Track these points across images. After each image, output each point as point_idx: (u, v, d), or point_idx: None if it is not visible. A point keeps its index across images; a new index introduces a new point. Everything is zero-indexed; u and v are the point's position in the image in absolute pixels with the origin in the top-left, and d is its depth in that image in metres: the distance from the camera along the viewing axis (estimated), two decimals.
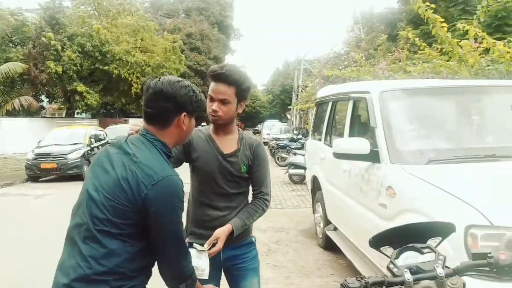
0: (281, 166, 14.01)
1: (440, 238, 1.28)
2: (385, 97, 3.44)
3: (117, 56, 22.75)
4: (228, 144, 2.07)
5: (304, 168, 7.55)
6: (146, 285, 1.59)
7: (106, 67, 22.86)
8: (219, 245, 1.90)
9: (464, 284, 1.14)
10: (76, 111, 25.25)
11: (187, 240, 1.96)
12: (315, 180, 5.52)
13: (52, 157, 12.01)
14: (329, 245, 5.02)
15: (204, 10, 43.60)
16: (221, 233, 1.92)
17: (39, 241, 5.63)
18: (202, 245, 1.88)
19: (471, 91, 3.66)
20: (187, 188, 1.77)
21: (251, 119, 60.38)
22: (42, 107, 27.23)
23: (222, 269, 2.15)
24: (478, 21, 5.83)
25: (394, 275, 1.16)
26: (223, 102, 1.95)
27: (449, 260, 1.20)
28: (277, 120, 42.86)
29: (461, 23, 5.82)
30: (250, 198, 2.17)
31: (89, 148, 12.91)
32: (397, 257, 1.20)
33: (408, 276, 1.12)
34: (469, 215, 2.17)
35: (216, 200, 2.05)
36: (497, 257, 1.18)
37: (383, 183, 3.04)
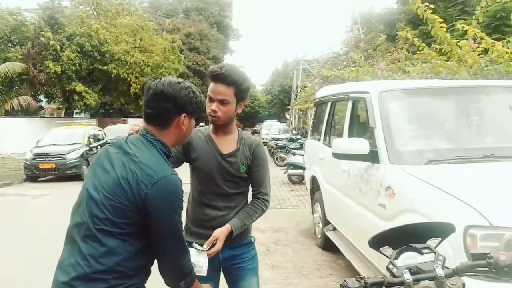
0: (280, 166, 14.02)
1: (440, 239, 1.28)
2: (385, 97, 3.44)
3: (116, 56, 22.75)
4: (228, 144, 2.07)
5: (303, 168, 7.55)
6: (145, 284, 1.60)
7: (105, 67, 22.85)
8: (218, 245, 1.90)
9: (463, 285, 1.14)
10: (75, 111, 25.24)
11: (186, 239, 1.96)
12: (314, 180, 5.52)
13: (51, 157, 12.00)
14: (328, 245, 5.02)
15: (203, 10, 43.62)
16: (220, 233, 1.92)
17: (38, 241, 5.63)
18: (201, 244, 1.88)
19: (471, 91, 3.66)
20: (186, 187, 1.78)
21: (250, 119, 60.38)
22: (41, 107, 27.20)
23: (221, 269, 2.15)
24: (477, 21, 5.84)
25: (393, 275, 1.15)
26: (222, 102, 1.96)
27: (448, 260, 1.20)
28: (276, 120, 42.90)
29: (460, 24, 5.84)
30: (250, 198, 2.17)
31: (87, 148, 12.90)
32: (396, 258, 1.20)
33: (407, 277, 1.12)
34: (468, 215, 2.17)
35: (215, 200, 2.05)
36: (496, 257, 1.18)
37: (383, 183, 3.04)
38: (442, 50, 5.82)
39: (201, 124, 18.38)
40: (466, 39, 5.49)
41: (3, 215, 7.93)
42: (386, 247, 1.25)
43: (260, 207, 2.09)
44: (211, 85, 1.98)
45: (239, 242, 2.09)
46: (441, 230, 1.30)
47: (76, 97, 22.47)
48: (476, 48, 5.43)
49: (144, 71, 24.13)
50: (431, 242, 1.25)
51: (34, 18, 22.58)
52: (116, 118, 33.65)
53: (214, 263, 1.96)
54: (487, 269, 1.20)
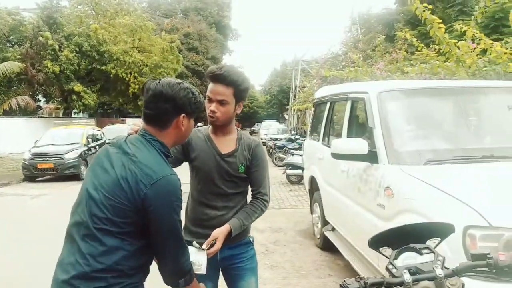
0: (279, 166, 14.02)
1: (439, 239, 1.28)
2: (383, 98, 3.44)
3: (115, 56, 22.73)
4: (227, 144, 2.07)
5: (302, 169, 7.55)
6: (144, 282, 1.61)
7: (103, 67, 22.82)
8: (218, 245, 1.90)
9: (463, 285, 1.14)
10: (73, 111, 25.20)
11: (185, 238, 1.96)
12: (313, 180, 5.52)
13: (49, 157, 11.98)
14: (327, 246, 5.02)
15: (202, 10, 43.61)
16: (219, 233, 1.93)
17: (37, 240, 5.62)
18: (201, 244, 1.89)
19: (469, 91, 3.67)
20: (186, 187, 1.78)
21: (248, 119, 60.40)
22: (39, 107, 27.16)
23: (220, 269, 2.15)
24: (476, 22, 5.85)
25: (393, 275, 1.15)
26: (221, 102, 1.96)
27: (447, 260, 1.20)
28: (275, 120, 42.91)
29: (459, 24, 5.84)
30: (249, 197, 2.17)
31: (86, 148, 12.88)
32: (396, 258, 1.20)
33: (407, 277, 1.12)
34: (467, 215, 2.17)
35: (214, 200, 2.06)
36: (496, 257, 1.18)
37: (381, 183, 3.04)
38: (441, 51, 5.82)
39: (199, 124, 18.36)
40: (465, 39, 5.50)
41: (2, 215, 7.91)
42: (385, 247, 1.25)
43: (260, 207, 2.09)
44: (210, 85, 1.98)
45: (238, 242, 2.09)
46: (441, 231, 1.30)
47: (74, 97, 22.44)
48: (475, 48, 5.44)
49: (142, 71, 24.11)
50: (430, 243, 1.25)
51: (32, 17, 22.54)
52: (114, 118, 33.60)
53: (213, 263, 1.96)
54: (486, 269, 1.20)
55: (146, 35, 24.90)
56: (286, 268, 4.66)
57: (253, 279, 2.16)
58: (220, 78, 1.94)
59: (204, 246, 1.88)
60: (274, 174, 11.64)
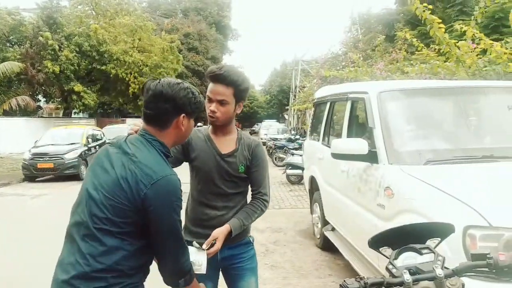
0: (279, 166, 14.02)
1: (439, 239, 1.28)
2: (383, 98, 3.44)
3: (115, 56, 22.72)
4: (227, 144, 2.07)
5: (302, 169, 7.55)
6: (144, 282, 1.62)
7: (103, 67, 22.82)
8: (218, 245, 1.90)
9: (463, 285, 1.14)
10: (73, 111, 25.19)
11: (185, 238, 1.96)
12: (313, 180, 5.52)
13: (49, 157, 11.97)
14: (326, 246, 5.02)
15: (202, 10, 43.61)
16: (219, 233, 1.93)
17: (37, 240, 5.62)
18: (201, 244, 1.89)
19: (469, 92, 3.67)
20: (186, 187, 1.78)
21: (248, 119, 60.39)
22: (39, 107, 27.15)
23: (220, 269, 2.15)
24: (476, 22, 5.85)
25: (393, 275, 1.15)
26: (221, 103, 1.96)
27: (447, 260, 1.20)
28: (275, 120, 42.89)
29: (459, 24, 5.84)
30: (249, 197, 2.17)
31: (86, 148, 12.88)
32: (396, 258, 1.20)
33: (407, 277, 1.12)
34: (467, 215, 2.17)
35: (214, 200, 2.06)
36: (496, 257, 1.18)
37: (381, 183, 3.04)
38: (441, 51, 5.82)
39: (199, 124, 18.35)
40: (465, 39, 5.49)
41: (2, 215, 7.91)
42: (385, 247, 1.25)
43: (260, 207, 2.09)
44: (210, 85, 1.98)
45: (238, 242, 2.09)
46: (441, 231, 1.30)
47: (74, 97, 22.43)
48: (475, 48, 5.44)
49: (142, 71, 24.10)
50: (430, 243, 1.25)
51: (32, 17, 22.54)
52: (114, 118, 33.60)
53: (213, 263, 1.96)
54: (486, 269, 1.20)
55: (146, 35, 24.89)
56: (286, 268, 4.66)
57: (253, 279, 2.16)
58: (220, 78, 1.94)
59: (204, 246, 1.88)
60: (274, 174, 11.64)
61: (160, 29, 31.01)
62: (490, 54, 5.23)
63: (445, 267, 1.17)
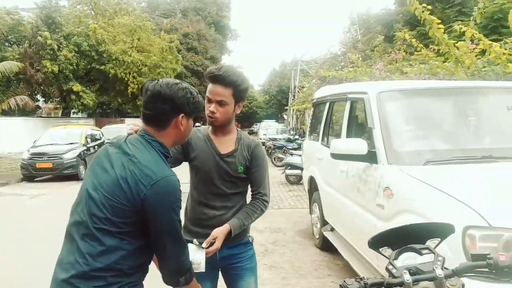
0: (278, 166, 14.01)
1: (439, 239, 1.28)
2: (383, 98, 3.44)
3: (114, 56, 22.70)
4: (226, 144, 2.07)
5: (301, 169, 7.56)
6: (143, 281, 1.62)
7: (102, 67, 22.80)
8: (217, 244, 1.90)
9: (463, 285, 1.14)
10: (72, 110, 25.16)
11: (184, 237, 1.97)
12: (312, 180, 5.52)
13: (48, 157, 11.95)
14: (326, 246, 5.02)
15: (201, 10, 43.61)
16: (219, 232, 1.93)
17: (37, 240, 5.61)
18: (200, 243, 1.89)
19: (468, 92, 3.67)
20: (185, 187, 1.78)
21: (247, 120, 60.37)
22: (38, 107, 27.11)
23: (220, 269, 2.15)
24: (475, 22, 5.86)
25: (393, 276, 1.15)
26: (220, 103, 1.95)
27: (447, 261, 1.19)
28: (274, 120, 42.87)
29: (458, 25, 5.84)
30: (249, 198, 2.17)
31: (85, 148, 12.86)
32: (396, 258, 1.19)
33: (407, 277, 1.12)
34: (467, 216, 2.17)
35: (213, 200, 2.06)
36: (496, 258, 1.18)
37: (381, 183, 3.04)
38: (440, 51, 5.83)
39: (197, 124, 18.34)
40: (464, 40, 5.50)
41: (1, 215, 7.89)
42: (385, 247, 1.25)
43: (260, 208, 2.08)
44: (209, 86, 1.98)
45: (237, 241, 2.09)
46: (441, 231, 1.30)
47: (73, 96, 22.40)
48: (474, 49, 5.44)
49: (141, 71, 24.09)
50: (430, 243, 1.25)
51: (31, 17, 22.50)
52: (113, 118, 33.58)
53: (212, 262, 1.96)
54: (487, 270, 1.20)
55: (145, 35, 24.87)
56: (285, 268, 4.66)
57: (253, 279, 2.16)
58: (219, 78, 1.94)
59: (203, 245, 1.88)
60: (273, 174, 11.64)
61: (159, 29, 30.98)
62: (489, 54, 5.24)
63: (445, 268, 1.17)
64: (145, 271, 1.62)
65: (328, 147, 4.06)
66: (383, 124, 3.25)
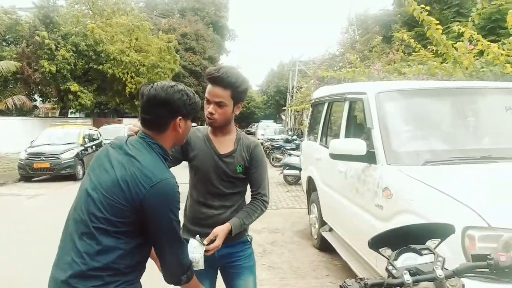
0: (276, 167, 14.02)
1: (439, 240, 1.27)
2: (382, 98, 3.44)
3: (112, 56, 22.63)
4: (225, 144, 2.07)
5: (299, 169, 7.55)
6: (140, 280, 1.63)
7: (100, 67, 22.72)
8: (218, 242, 1.90)
9: (463, 286, 1.14)
10: (70, 110, 25.07)
11: (183, 237, 1.97)
12: (310, 181, 5.52)
13: (45, 157, 11.93)
14: (324, 246, 5.02)
15: (199, 11, 43.55)
16: (220, 231, 1.93)
17: (34, 240, 5.60)
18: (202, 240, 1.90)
19: (467, 92, 3.68)
20: (184, 188, 1.78)
21: (245, 120, 60.31)
22: (36, 107, 26.98)
23: (219, 268, 2.15)
24: (473, 23, 5.87)
25: (393, 276, 1.15)
26: (219, 104, 1.96)
27: (446, 261, 1.19)
28: (272, 121, 42.84)
29: (456, 25, 5.85)
30: (248, 198, 2.17)
31: (82, 148, 12.84)
32: (396, 259, 1.19)
33: (407, 278, 1.12)
34: (466, 216, 2.17)
35: (211, 199, 2.06)
36: (497, 258, 1.18)
37: (380, 184, 3.03)
38: (438, 52, 5.84)
39: (193, 124, 18.32)
40: (462, 41, 5.51)
41: None
42: (385, 248, 1.25)
43: (260, 208, 2.09)
44: (208, 87, 1.98)
45: (236, 240, 2.09)
46: (441, 231, 1.30)
47: (71, 96, 22.31)
48: (472, 49, 5.46)
49: (139, 71, 24.02)
50: (430, 243, 1.25)
51: (29, 17, 22.42)
52: (111, 118, 33.50)
53: (211, 261, 1.96)
54: (487, 270, 1.20)
55: (143, 35, 24.80)
56: (284, 269, 4.65)
57: (251, 278, 2.16)
58: (217, 80, 1.93)
59: (204, 242, 1.88)
60: (271, 175, 11.62)
61: (157, 29, 30.89)
62: (487, 55, 5.25)
63: (445, 268, 1.16)
64: (142, 269, 1.63)
65: (327, 148, 4.06)
66: (382, 125, 3.26)
